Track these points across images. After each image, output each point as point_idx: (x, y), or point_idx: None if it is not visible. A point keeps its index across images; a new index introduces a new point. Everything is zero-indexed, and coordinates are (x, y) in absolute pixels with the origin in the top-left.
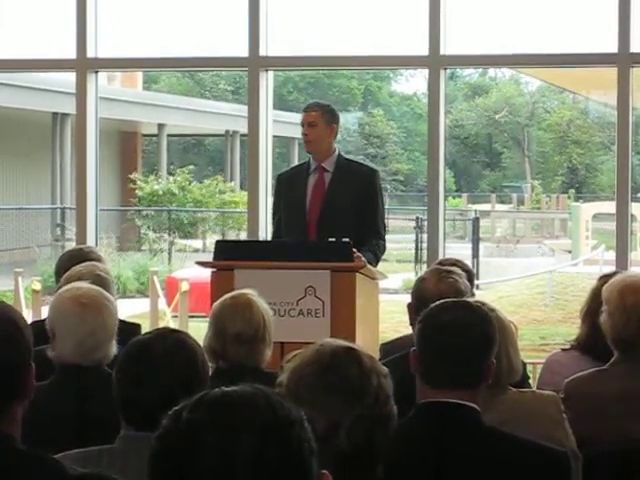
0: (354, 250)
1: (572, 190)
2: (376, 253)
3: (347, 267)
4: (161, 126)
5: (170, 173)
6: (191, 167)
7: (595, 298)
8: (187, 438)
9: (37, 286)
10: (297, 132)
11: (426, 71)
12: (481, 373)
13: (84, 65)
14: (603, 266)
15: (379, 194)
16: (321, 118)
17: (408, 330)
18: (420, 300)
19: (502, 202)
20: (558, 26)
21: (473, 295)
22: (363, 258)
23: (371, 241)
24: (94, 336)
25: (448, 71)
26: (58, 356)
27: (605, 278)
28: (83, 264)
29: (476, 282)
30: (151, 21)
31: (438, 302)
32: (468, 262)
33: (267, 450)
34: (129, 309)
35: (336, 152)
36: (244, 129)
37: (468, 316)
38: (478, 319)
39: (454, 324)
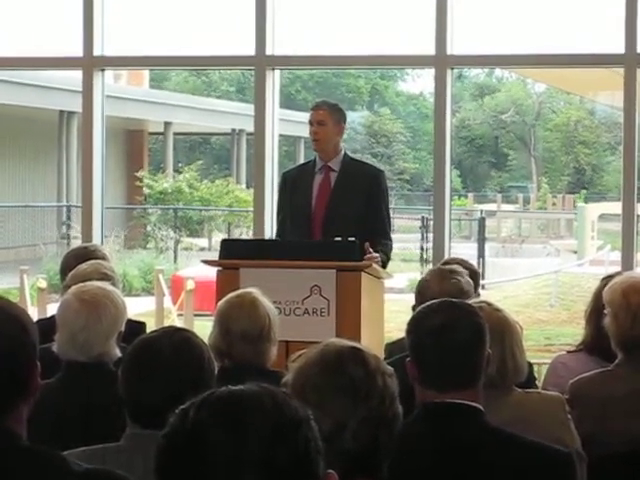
0: (370, 250)
1: (583, 191)
2: (387, 254)
3: (353, 266)
4: (167, 124)
5: (178, 171)
6: (199, 163)
7: (599, 300)
8: (194, 437)
9: (42, 284)
10: (304, 131)
11: (433, 71)
12: (480, 366)
13: (91, 63)
14: (609, 267)
15: (385, 194)
16: (330, 117)
17: None
18: (423, 301)
19: (508, 202)
20: (565, 27)
21: (478, 295)
22: (378, 258)
23: (380, 241)
24: (85, 332)
25: (455, 71)
26: (59, 350)
27: (608, 279)
28: (88, 262)
29: (481, 282)
30: (158, 19)
31: (421, 307)
32: (473, 262)
33: (274, 449)
34: (134, 307)
35: (342, 151)
36: (250, 128)
37: (454, 313)
38: (465, 314)
39: (444, 325)
